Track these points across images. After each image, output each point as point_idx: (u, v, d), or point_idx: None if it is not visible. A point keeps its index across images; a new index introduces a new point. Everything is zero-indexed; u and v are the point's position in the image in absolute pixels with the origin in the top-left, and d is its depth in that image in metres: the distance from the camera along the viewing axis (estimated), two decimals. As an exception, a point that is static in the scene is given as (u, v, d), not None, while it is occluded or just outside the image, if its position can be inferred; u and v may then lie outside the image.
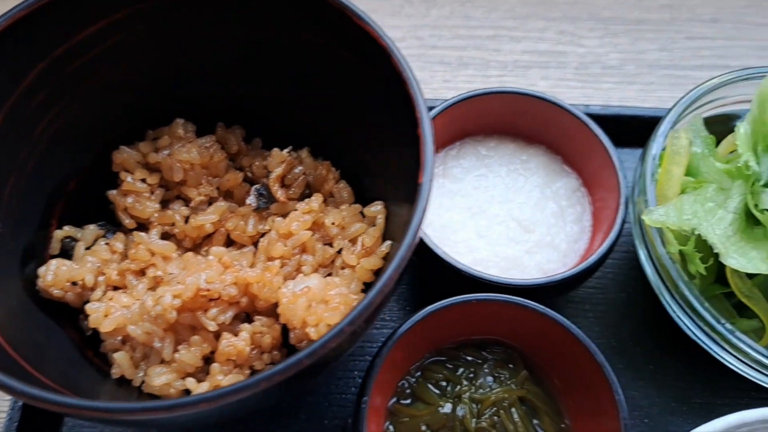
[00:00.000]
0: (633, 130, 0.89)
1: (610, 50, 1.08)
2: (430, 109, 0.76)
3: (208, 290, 0.61)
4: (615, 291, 0.83)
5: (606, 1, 1.12)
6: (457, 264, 0.70)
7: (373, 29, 0.60)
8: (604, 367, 0.62)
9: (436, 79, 1.05)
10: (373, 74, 0.62)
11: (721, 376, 0.73)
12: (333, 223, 0.68)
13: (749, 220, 0.65)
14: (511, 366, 0.69)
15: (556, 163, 0.83)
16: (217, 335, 0.63)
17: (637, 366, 0.79)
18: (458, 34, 1.09)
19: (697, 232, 0.63)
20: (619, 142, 0.80)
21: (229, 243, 0.72)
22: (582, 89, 1.04)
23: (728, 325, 0.64)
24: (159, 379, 0.62)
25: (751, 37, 1.09)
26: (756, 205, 0.63)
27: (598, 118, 0.80)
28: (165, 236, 0.70)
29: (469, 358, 0.70)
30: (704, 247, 0.66)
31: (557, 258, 0.77)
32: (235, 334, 0.63)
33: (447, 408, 0.66)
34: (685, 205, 0.65)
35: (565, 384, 0.68)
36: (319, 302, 0.61)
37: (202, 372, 0.63)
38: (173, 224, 0.70)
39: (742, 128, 0.69)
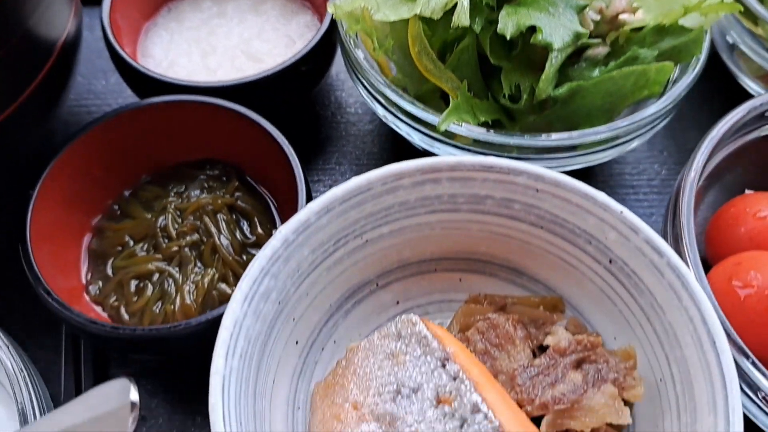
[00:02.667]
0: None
1: None
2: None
3: None
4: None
5: None
6: (148, 72, 0.70)
7: None
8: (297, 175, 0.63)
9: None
10: None
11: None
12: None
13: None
14: (224, 179, 0.70)
15: (294, 3, 0.84)
16: None
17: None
18: None
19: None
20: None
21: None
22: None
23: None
24: None
25: None
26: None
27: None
28: None
29: (184, 177, 0.71)
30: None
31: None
32: None
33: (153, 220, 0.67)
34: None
35: (280, 198, 0.70)
36: None
37: None
38: None
39: None
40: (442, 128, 0.60)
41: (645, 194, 0.75)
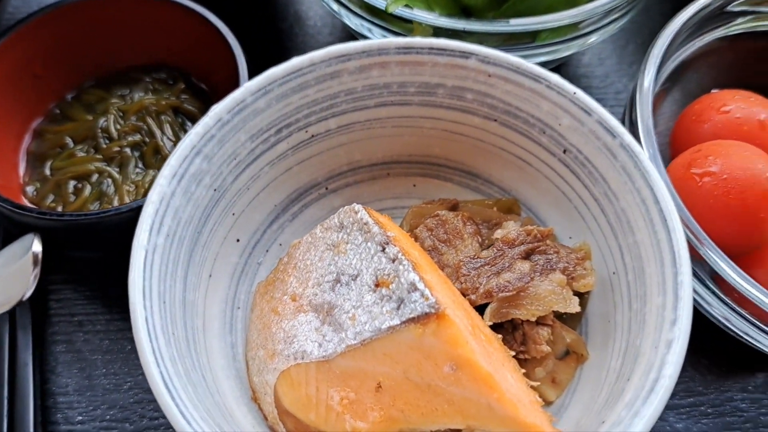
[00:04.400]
0: None
1: None
2: None
3: None
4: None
5: None
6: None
7: None
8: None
9: None
10: None
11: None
12: None
13: None
14: (171, 83, 0.67)
15: None
16: None
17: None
18: None
19: None
20: None
21: None
22: None
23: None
24: None
25: None
26: None
27: None
28: None
29: (129, 81, 0.68)
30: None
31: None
32: None
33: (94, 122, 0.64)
34: None
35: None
36: None
37: None
38: None
39: None
40: (391, 10, 0.57)
41: (611, 107, 0.72)
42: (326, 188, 0.60)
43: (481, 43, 0.59)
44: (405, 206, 0.61)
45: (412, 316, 0.44)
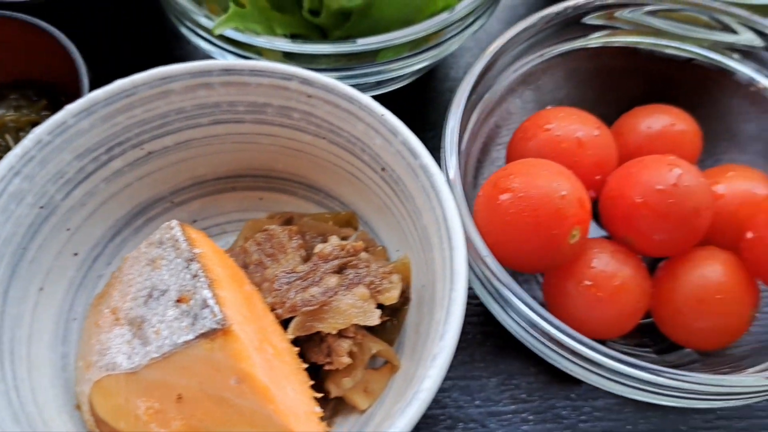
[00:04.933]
0: None
1: None
2: None
3: None
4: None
5: None
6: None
7: None
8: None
9: None
10: None
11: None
12: None
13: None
14: (35, 99, 0.69)
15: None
16: None
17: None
18: None
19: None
20: None
21: None
22: None
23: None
24: None
25: None
26: None
27: None
28: None
29: (-4, 98, 0.69)
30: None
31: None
32: None
33: (-46, 137, 0.66)
34: None
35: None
36: None
37: None
38: None
39: None
40: (216, 32, 0.58)
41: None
42: (172, 202, 0.62)
43: (329, 63, 0.61)
44: (251, 218, 0.63)
45: (202, 331, 0.46)
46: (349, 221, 0.61)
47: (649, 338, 0.59)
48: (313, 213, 0.62)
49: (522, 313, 0.48)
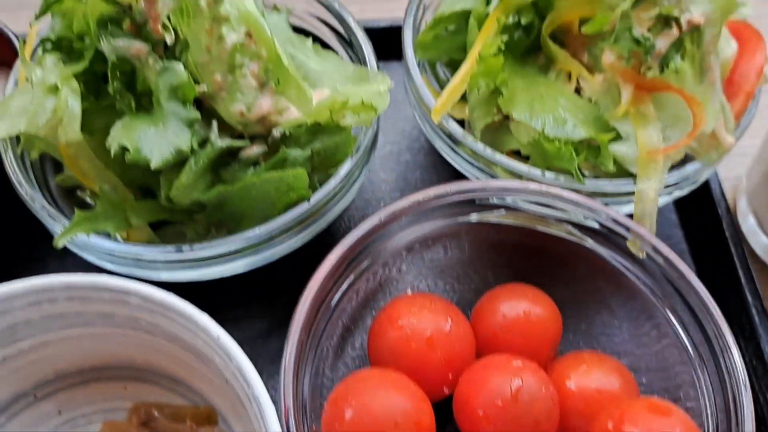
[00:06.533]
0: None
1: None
2: None
3: None
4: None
5: None
6: None
7: None
8: None
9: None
10: None
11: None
12: None
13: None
14: None
15: None
16: None
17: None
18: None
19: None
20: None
21: None
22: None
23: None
24: None
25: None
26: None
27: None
28: None
29: None
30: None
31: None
32: None
33: None
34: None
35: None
36: None
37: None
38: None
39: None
40: (59, 245, 0.58)
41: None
42: (35, 396, 0.62)
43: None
44: (117, 408, 0.63)
45: None
46: (209, 416, 0.60)
47: None
48: (175, 405, 0.61)
49: None
